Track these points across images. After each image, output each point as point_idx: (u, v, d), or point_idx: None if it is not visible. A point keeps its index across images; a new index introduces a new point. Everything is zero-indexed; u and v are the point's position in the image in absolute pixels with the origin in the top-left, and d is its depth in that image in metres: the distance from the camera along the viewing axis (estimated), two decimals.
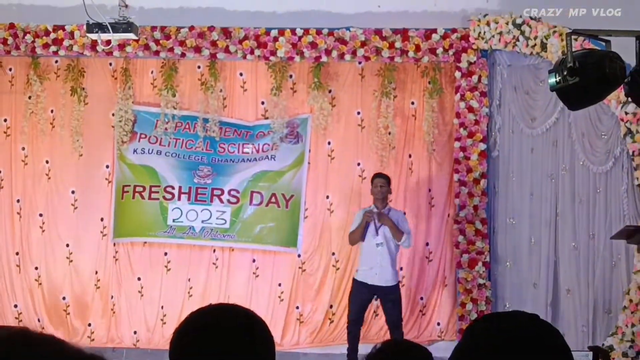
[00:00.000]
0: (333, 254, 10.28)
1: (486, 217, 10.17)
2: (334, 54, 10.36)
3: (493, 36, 10.10)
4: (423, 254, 10.38)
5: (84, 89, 10.65)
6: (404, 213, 9.74)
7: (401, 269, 10.29)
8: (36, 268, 10.60)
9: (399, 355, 3.33)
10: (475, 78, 10.25)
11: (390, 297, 9.30)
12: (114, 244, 10.61)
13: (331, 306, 10.11)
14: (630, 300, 9.21)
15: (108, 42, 9.86)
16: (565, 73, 5.76)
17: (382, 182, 9.41)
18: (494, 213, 10.31)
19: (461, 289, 10.07)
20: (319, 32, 10.36)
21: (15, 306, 10.57)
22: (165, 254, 10.60)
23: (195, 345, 1.96)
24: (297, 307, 10.30)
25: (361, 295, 9.31)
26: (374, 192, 9.40)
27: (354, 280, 9.41)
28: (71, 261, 10.60)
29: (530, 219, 10.19)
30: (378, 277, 9.25)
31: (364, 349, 10.07)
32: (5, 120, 10.76)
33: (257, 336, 2.00)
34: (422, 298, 10.35)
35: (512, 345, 1.84)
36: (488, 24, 10.13)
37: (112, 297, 10.55)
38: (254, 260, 10.54)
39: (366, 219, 9.31)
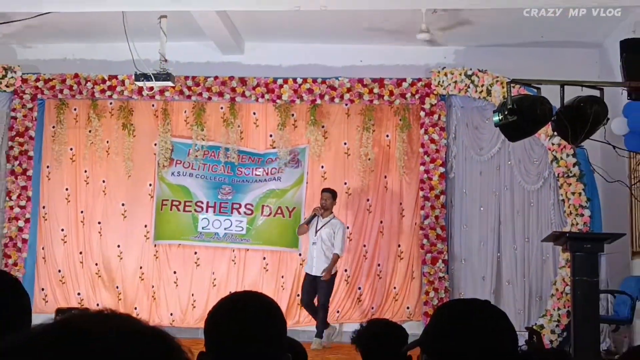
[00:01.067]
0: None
1: (445, 224, 10.16)
2: (326, 97, 10.39)
3: (449, 84, 10.14)
4: (396, 253, 10.38)
5: (132, 124, 10.68)
6: (343, 225, 9.73)
7: (379, 265, 10.36)
8: (96, 264, 10.59)
9: (381, 330, 3.43)
10: (435, 117, 10.26)
11: (322, 285, 9.35)
12: (155, 245, 10.61)
13: None
14: (557, 289, 9.28)
15: (151, 88, 9.96)
16: (506, 113, 5.79)
17: (326, 196, 9.57)
18: (451, 221, 10.28)
19: (425, 281, 10.06)
20: (314, 81, 10.38)
21: (79, 294, 10.56)
22: (195, 253, 10.59)
23: (226, 323, 1.94)
24: (298, 295, 10.16)
25: (307, 283, 9.46)
26: (320, 203, 9.55)
27: (305, 272, 9.59)
28: (121, 258, 10.61)
29: (479, 226, 10.22)
30: (315, 268, 9.39)
31: (350, 327, 10.13)
32: (71, 149, 10.77)
33: (274, 316, 1.99)
34: (395, 287, 10.32)
35: (469, 324, 1.85)
36: (446, 74, 10.17)
37: (152, 286, 10.54)
38: (264, 258, 10.53)
39: (314, 211, 9.53)
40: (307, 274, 9.56)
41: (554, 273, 9.56)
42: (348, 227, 10.25)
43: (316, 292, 9.46)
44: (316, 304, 9.53)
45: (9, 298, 1.81)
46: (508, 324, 1.89)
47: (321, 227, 9.45)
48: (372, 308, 10.26)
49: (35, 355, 0.76)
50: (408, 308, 10.24)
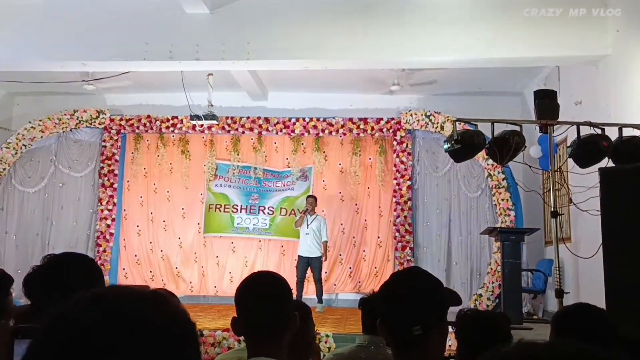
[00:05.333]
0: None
1: (411, 222, 10.11)
2: (326, 132, 10.36)
3: (414, 122, 10.11)
4: (376, 242, 10.29)
5: (188, 151, 10.63)
6: (325, 219, 9.38)
7: (364, 251, 10.26)
8: (161, 251, 10.53)
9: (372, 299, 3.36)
10: (404, 145, 10.23)
11: (315, 264, 9.04)
12: (204, 237, 10.54)
13: (325, 272, 9.85)
14: (491, 268, 9.28)
15: (201, 125, 9.97)
16: (453, 142, 5.78)
17: (310, 201, 9.28)
18: (415, 220, 10.22)
19: (397, 262, 9.96)
20: (317, 119, 10.37)
21: (150, 272, 10.48)
22: (232, 242, 10.51)
23: (248, 293, 1.91)
24: (306, 274, 10.01)
25: (302, 263, 9.09)
26: (310, 203, 9.24)
27: (298, 255, 9.18)
28: (181, 247, 10.54)
29: (437, 223, 10.14)
30: (308, 252, 9.03)
31: (343, 296, 10.08)
32: (144, 168, 10.72)
33: (284, 288, 1.96)
34: (375, 267, 10.24)
35: (407, 287, 1.78)
36: (411, 115, 10.14)
37: (202, 266, 10.47)
38: (282, 246, 10.44)
39: (304, 210, 9.23)
40: (300, 257, 9.07)
41: (489, 256, 9.55)
42: (342, 224, 10.27)
43: (306, 270, 9.13)
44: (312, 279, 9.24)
45: (85, 273, 1.94)
46: (431, 283, 1.76)
47: (311, 222, 9.14)
48: (359, 282, 10.18)
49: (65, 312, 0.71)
50: None
